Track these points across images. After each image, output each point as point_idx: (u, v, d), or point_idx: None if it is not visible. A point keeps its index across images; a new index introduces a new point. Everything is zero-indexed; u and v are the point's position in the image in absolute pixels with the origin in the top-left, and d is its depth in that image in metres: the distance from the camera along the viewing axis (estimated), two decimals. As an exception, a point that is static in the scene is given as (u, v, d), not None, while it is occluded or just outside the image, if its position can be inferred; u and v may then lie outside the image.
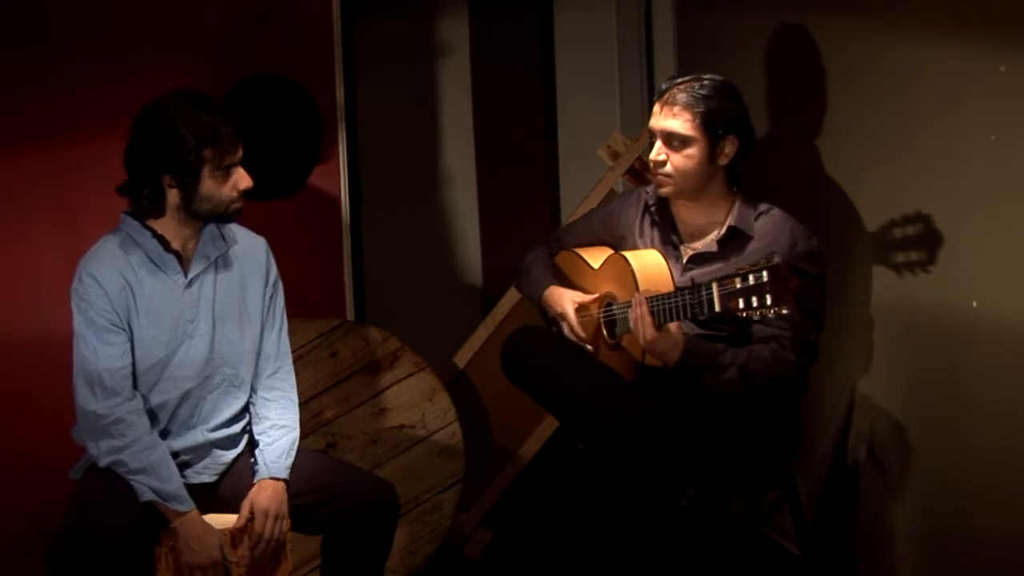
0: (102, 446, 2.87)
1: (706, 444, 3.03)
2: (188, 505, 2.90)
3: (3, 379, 3.66)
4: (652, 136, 3.14)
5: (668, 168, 3.09)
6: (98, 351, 2.87)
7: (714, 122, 3.05)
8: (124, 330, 2.90)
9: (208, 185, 2.88)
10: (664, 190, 3.13)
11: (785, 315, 2.83)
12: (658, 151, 3.10)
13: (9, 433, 3.65)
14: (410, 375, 3.80)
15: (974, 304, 2.93)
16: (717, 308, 2.79)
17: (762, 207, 3.13)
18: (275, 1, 3.95)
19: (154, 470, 2.87)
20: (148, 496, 2.87)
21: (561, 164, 4.80)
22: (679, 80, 3.11)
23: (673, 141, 3.08)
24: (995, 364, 2.89)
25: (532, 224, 4.82)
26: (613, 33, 4.73)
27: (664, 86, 3.13)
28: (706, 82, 3.07)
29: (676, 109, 3.06)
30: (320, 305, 3.87)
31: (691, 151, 3.07)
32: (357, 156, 4.40)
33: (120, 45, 3.77)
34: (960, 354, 3.01)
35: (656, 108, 3.11)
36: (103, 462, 2.88)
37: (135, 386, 2.92)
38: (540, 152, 4.85)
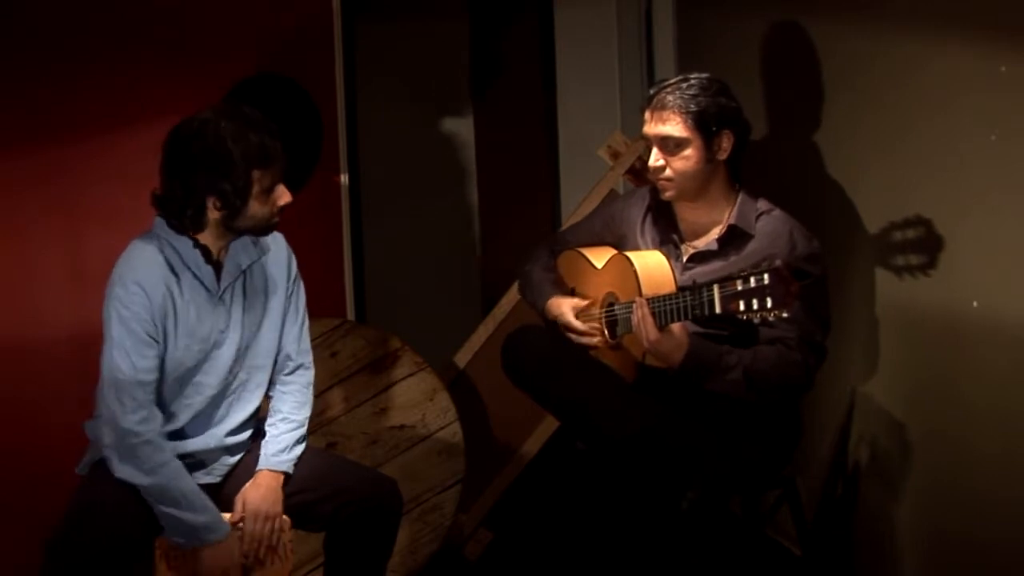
0: (128, 469, 2.83)
1: (706, 444, 3.03)
2: (222, 531, 2.87)
3: (2, 378, 3.66)
4: (648, 142, 3.14)
5: (668, 172, 3.09)
6: (136, 363, 2.82)
7: (706, 119, 3.04)
8: (159, 342, 2.86)
9: (253, 206, 2.84)
10: (667, 194, 3.13)
11: (790, 317, 2.83)
12: (656, 157, 3.10)
13: (9, 433, 3.65)
14: (410, 375, 3.80)
15: (974, 304, 2.93)
16: (718, 310, 2.79)
17: (764, 207, 3.12)
18: (275, 1, 3.95)
19: (187, 500, 2.84)
20: (178, 538, 2.83)
21: (561, 164, 4.80)
22: (665, 84, 3.10)
23: (669, 145, 3.07)
24: (995, 364, 2.89)
25: (532, 224, 4.82)
26: (613, 32, 4.73)
27: (651, 92, 3.12)
28: (693, 81, 3.07)
29: (666, 113, 3.06)
30: (320, 305, 3.86)
31: (688, 152, 3.06)
32: (357, 156, 4.41)
33: (120, 44, 3.77)
34: (960, 354, 3.00)
35: (647, 115, 3.11)
36: (134, 483, 2.83)
37: (160, 392, 2.90)
38: (540, 152, 4.85)
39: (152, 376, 2.85)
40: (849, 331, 3.37)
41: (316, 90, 3.96)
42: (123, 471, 2.83)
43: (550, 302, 3.34)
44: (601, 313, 3.24)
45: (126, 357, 2.82)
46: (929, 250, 3.08)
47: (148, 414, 2.84)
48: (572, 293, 3.40)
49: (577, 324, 3.24)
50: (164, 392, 2.91)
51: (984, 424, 2.94)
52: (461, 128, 4.98)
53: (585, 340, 3.23)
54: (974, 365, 2.96)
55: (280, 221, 2.93)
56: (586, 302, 3.27)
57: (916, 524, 3.22)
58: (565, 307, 3.29)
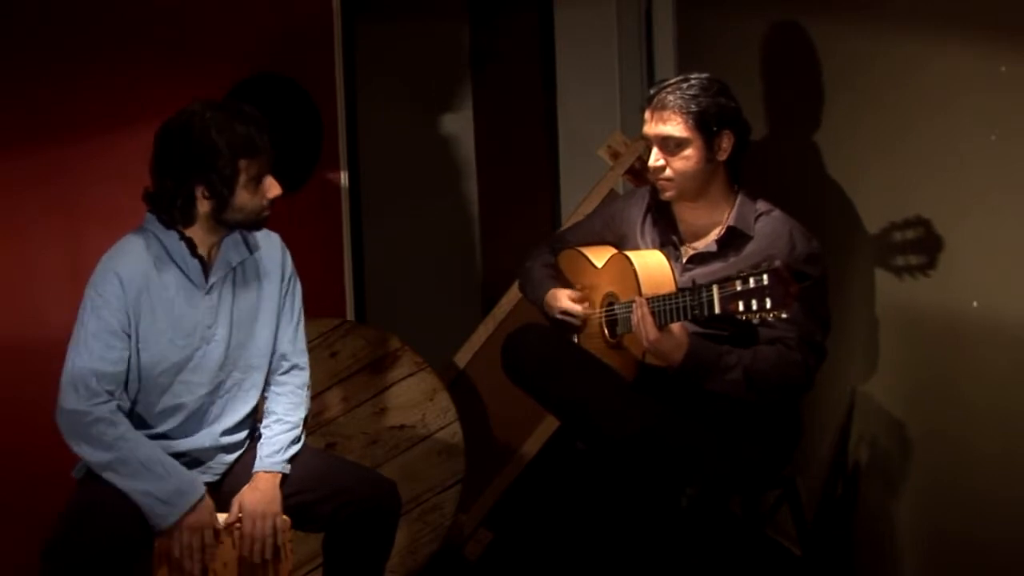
0: (85, 449, 2.83)
1: (706, 444, 3.03)
2: (196, 491, 2.85)
3: (2, 378, 3.66)
4: (648, 142, 3.14)
5: (668, 173, 3.09)
6: (95, 352, 2.83)
7: (707, 120, 3.05)
8: (129, 336, 2.87)
9: (242, 196, 2.85)
10: (667, 194, 3.13)
11: (789, 317, 2.83)
12: (656, 157, 3.10)
13: (9, 433, 3.65)
14: (410, 375, 3.80)
15: (974, 304, 2.93)
16: (717, 310, 2.79)
17: (764, 207, 3.12)
18: (275, 1, 3.96)
19: (148, 470, 2.82)
20: (158, 520, 2.81)
21: (561, 164, 4.81)
22: (665, 84, 3.10)
23: (669, 145, 3.08)
24: (995, 364, 2.89)
25: (532, 224, 4.82)
26: (613, 32, 4.73)
27: (651, 92, 3.12)
28: (693, 81, 3.07)
29: (667, 113, 3.06)
30: (320, 305, 3.87)
31: (688, 152, 3.07)
32: (357, 156, 4.41)
33: (120, 44, 3.77)
34: (960, 354, 3.00)
35: (647, 115, 3.11)
36: (91, 462, 2.84)
37: (140, 388, 2.90)
38: (540, 152, 4.85)
39: (115, 368, 2.84)
40: (849, 331, 3.37)
41: (316, 90, 3.96)
42: (82, 451, 2.83)
43: (549, 294, 3.35)
44: (601, 312, 3.24)
45: (90, 344, 2.83)
46: (929, 250, 3.08)
47: (101, 400, 2.82)
48: (572, 293, 3.40)
49: (574, 307, 3.26)
50: (150, 389, 2.91)
51: (984, 424, 2.94)
52: (461, 128, 4.99)
53: (580, 318, 3.26)
54: (974, 365, 2.96)
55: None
56: (583, 294, 3.28)
57: (916, 524, 3.22)
58: (561, 296, 3.31)
